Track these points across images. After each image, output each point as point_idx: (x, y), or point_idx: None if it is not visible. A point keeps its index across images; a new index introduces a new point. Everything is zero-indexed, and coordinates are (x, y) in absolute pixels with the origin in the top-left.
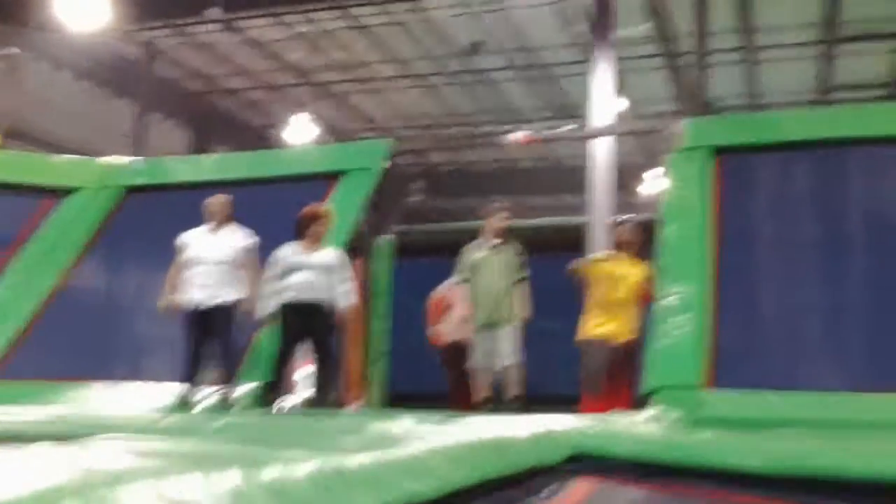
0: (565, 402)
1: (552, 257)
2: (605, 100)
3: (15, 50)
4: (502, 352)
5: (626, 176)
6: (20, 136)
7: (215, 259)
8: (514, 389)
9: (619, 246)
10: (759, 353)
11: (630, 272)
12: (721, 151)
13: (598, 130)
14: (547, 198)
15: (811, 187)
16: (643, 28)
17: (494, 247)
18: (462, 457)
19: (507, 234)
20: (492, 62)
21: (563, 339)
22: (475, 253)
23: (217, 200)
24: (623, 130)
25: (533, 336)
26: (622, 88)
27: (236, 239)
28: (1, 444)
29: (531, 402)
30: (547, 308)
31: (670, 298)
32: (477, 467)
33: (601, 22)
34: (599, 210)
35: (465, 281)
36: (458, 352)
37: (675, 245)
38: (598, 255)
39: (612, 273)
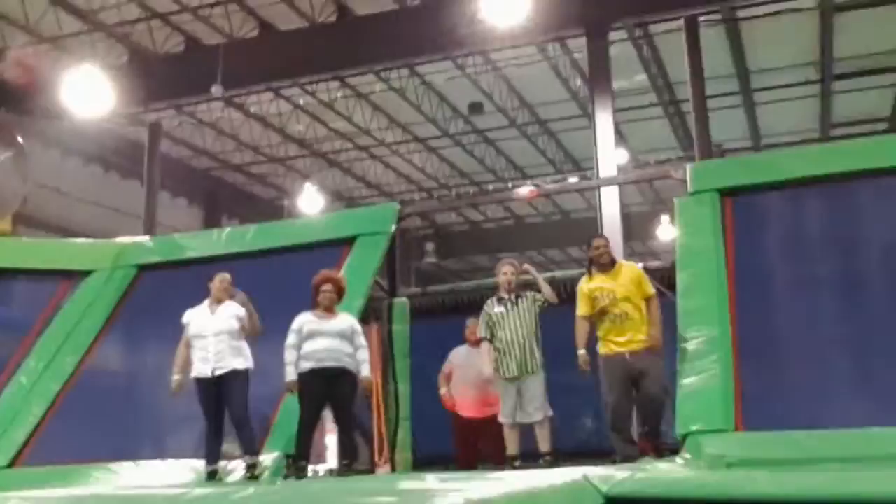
0: (591, 456)
1: (570, 308)
2: (607, 150)
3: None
4: (531, 406)
5: (636, 224)
6: (32, 221)
7: (215, 331)
8: (544, 446)
9: (591, 263)
10: (784, 393)
11: (614, 285)
12: (728, 193)
13: (605, 180)
14: (557, 251)
15: (822, 223)
16: (639, 78)
17: (510, 300)
18: None
19: (520, 287)
20: (492, 121)
21: (585, 393)
22: (493, 308)
23: (219, 279)
24: (629, 179)
25: (554, 390)
26: (623, 139)
27: (233, 311)
28: None
29: (559, 455)
30: (566, 362)
31: (693, 342)
32: None
33: (597, 75)
34: None
35: (487, 339)
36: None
37: (692, 289)
38: (580, 288)
39: (595, 293)
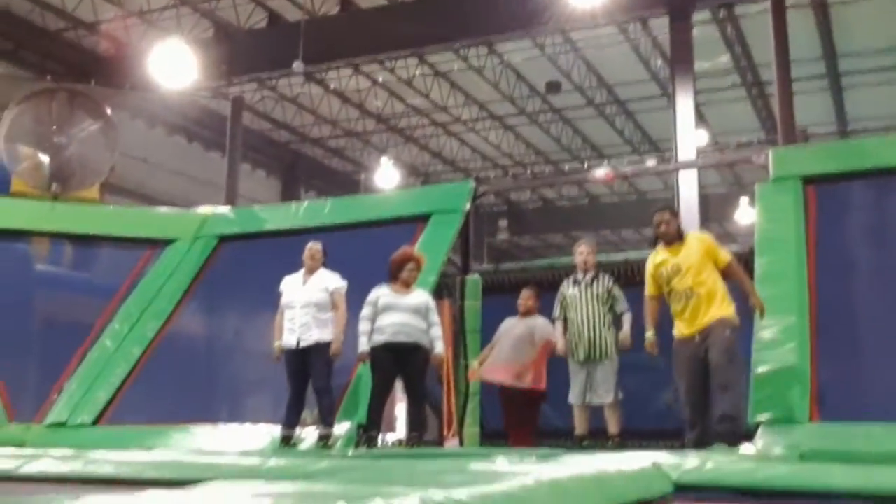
0: (663, 437)
1: (641, 290)
2: (687, 132)
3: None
4: (602, 388)
5: (714, 207)
6: (118, 190)
7: (302, 302)
8: (612, 428)
9: (657, 239)
10: (862, 384)
11: (679, 259)
12: (811, 181)
13: (683, 164)
14: (632, 231)
15: None
16: (722, 59)
17: (585, 282)
18: (566, 490)
19: (597, 268)
20: (570, 100)
21: (657, 374)
22: (568, 290)
23: (307, 248)
24: (709, 162)
25: (628, 370)
26: (704, 120)
27: (325, 283)
28: (112, 489)
29: (628, 436)
30: (637, 342)
31: (770, 330)
32: (581, 501)
33: (679, 56)
34: None
35: (559, 319)
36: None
37: (770, 277)
38: (647, 265)
39: (662, 266)
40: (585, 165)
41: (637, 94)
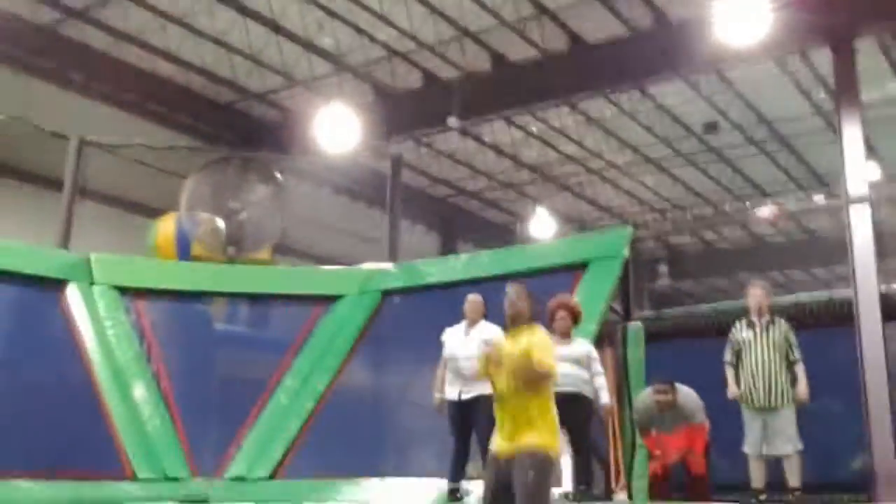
0: (849, 490)
1: (819, 333)
2: (856, 166)
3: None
4: (780, 438)
5: (890, 243)
6: (287, 250)
7: (465, 355)
8: (793, 481)
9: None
10: None
11: (512, 350)
12: None
13: (856, 198)
14: (800, 272)
15: None
16: (892, 87)
17: (761, 325)
18: None
19: (772, 312)
20: (729, 139)
21: (838, 422)
22: (741, 333)
23: (468, 301)
24: (882, 196)
25: (805, 419)
26: (875, 152)
27: (484, 334)
28: None
29: (810, 489)
30: (822, 390)
31: None
32: None
33: (843, 87)
34: (864, 281)
35: (730, 364)
36: None
37: None
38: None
39: (501, 356)
40: (747, 205)
41: (800, 129)
